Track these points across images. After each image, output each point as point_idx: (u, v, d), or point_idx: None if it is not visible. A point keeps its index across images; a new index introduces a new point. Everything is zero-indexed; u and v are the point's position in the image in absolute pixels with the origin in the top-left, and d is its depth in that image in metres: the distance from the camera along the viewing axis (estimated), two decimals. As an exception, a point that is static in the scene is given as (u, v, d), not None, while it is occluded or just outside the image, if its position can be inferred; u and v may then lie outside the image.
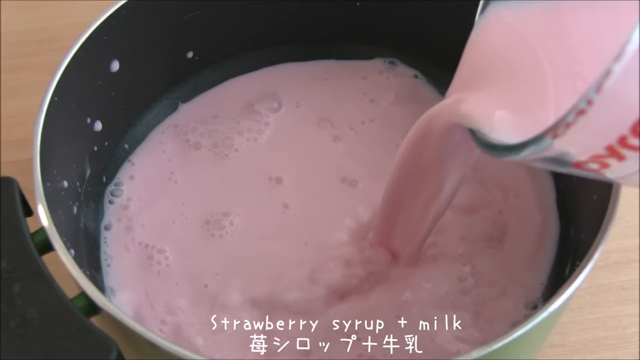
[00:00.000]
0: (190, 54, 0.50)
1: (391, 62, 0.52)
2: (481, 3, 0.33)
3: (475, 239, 0.43)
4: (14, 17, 0.63)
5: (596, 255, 0.33)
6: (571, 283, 0.32)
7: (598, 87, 0.20)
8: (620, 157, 0.22)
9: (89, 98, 0.43)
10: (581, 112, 0.21)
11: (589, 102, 0.20)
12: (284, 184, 0.46)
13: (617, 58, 0.19)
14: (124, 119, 0.48)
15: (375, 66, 0.52)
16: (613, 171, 0.23)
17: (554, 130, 0.22)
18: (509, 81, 0.32)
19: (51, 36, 0.61)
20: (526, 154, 0.24)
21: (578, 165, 0.23)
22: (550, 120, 0.25)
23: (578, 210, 0.41)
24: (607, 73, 0.20)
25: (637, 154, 0.22)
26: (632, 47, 0.19)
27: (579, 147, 0.23)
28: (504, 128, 0.29)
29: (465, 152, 0.35)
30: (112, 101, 0.45)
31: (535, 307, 0.40)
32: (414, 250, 0.41)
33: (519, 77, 0.31)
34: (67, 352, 0.29)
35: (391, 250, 0.42)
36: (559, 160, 0.24)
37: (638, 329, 0.46)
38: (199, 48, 0.50)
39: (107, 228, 0.45)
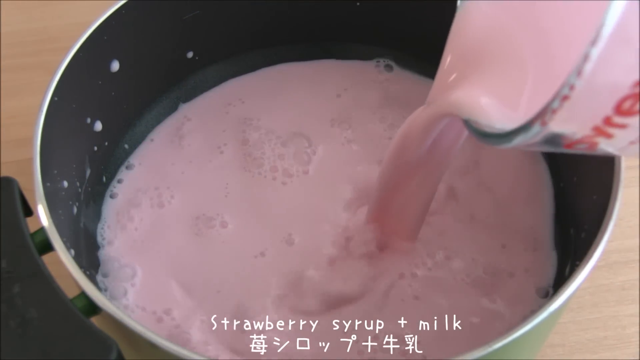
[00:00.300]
0: (190, 54, 0.50)
1: (389, 65, 0.52)
2: None
3: (472, 239, 0.43)
4: (14, 17, 0.63)
5: (596, 255, 0.33)
6: (571, 283, 0.32)
7: (578, 72, 0.21)
8: (608, 135, 0.23)
9: (89, 98, 0.43)
10: (565, 98, 0.21)
11: (571, 87, 0.21)
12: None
13: (594, 42, 0.20)
14: (124, 119, 0.48)
15: (377, 67, 0.52)
16: (605, 147, 0.24)
17: (542, 117, 0.22)
18: (495, 67, 0.32)
19: (51, 36, 0.61)
20: (517, 141, 0.24)
21: (569, 146, 0.24)
22: (540, 101, 0.26)
23: (578, 210, 0.41)
24: (586, 57, 0.20)
25: (624, 130, 0.23)
26: (606, 31, 0.20)
27: (567, 130, 0.23)
28: (496, 114, 0.29)
29: (452, 138, 0.36)
30: (112, 101, 0.45)
31: (546, 295, 0.41)
32: (410, 230, 0.42)
33: (503, 62, 0.32)
34: (67, 352, 0.29)
35: (387, 231, 0.42)
36: (550, 142, 0.24)
37: (638, 329, 0.46)
38: (199, 48, 0.50)
39: (112, 196, 0.46)
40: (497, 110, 0.30)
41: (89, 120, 0.44)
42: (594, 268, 0.32)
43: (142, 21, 0.44)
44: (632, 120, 0.22)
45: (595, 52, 0.20)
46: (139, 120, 0.49)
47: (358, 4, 0.50)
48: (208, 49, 0.50)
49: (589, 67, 0.20)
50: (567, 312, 0.46)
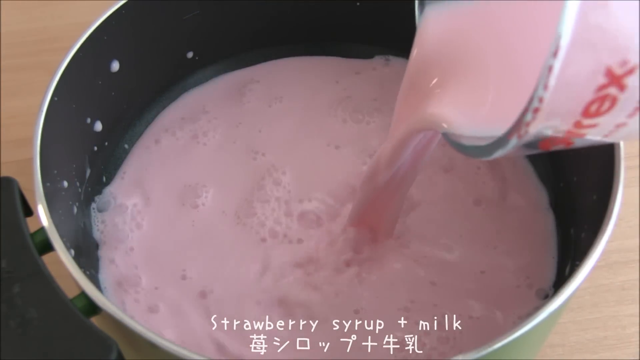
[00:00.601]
0: (190, 54, 0.50)
1: (387, 59, 0.52)
2: (417, 10, 0.35)
3: (469, 237, 0.43)
4: (14, 17, 0.63)
5: (596, 255, 0.33)
6: (571, 283, 0.32)
7: (544, 84, 0.21)
8: (581, 135, 0.24)
9: (89, 98, 0.43)
10: (536, 110, 0.22)
11: (540, 100, 0.22)
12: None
13: (554, 54, 0.21)
14: (124, 119, 0.48)
15: (376, 63, 0.52)
16: (581, 142, 0.25)
17: (517, 131, 0.23)
18: (464, 76, 0.33)
19: (51, 36, 0.61)
20: (497, 154, 0.25)
21: (546, 147, 0.25)
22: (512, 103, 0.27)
23: (578, 210, 0.41)
24: (549, 69, 0.21)
25: (595, 129, 0.24)
26: (565, 42, 0.20)
27: (542, 137, 0.24)
28: (471, 123, 0.30)
29: (422, 149, 0.37)
30: (112, 101, 0.45)
31: (546, 296, 0.41)
32: (389, 228, 0.42)
33: (471, 71, 0.33)
34: (67, 352, 0.29)
35: (368, 228, 0.42)
36: (527, 148, 0.25)
37: (638, 329, 0.46)
38: (199, 48, 0.50)
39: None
40: (471, 119, 0.31)
41: (89, 120, 0.44)
42: (594, 268, 0.32)
43: (142, 21, 0.44)
44: (601, 120, 0.23)
45: (558, 64, 0.21)
46: (139, 120, 0.49)
47: (358, 4, 0.50)
48: (208, 49, 0.50)
49: (553, 79, 0.21)
50: (567, 312, 0.46)
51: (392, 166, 0.37)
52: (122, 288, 0.41)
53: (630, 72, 0.21)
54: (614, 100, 0.22)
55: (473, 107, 0.31)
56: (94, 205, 0.45)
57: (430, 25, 0.34)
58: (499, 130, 0.25)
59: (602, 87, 0.22)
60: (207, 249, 0.43)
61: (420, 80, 0.34)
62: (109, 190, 0.46)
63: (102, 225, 0.44)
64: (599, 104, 0.22)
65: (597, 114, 0.23)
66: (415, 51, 0.35)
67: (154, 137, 0.48)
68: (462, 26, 0.33)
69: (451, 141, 0.31)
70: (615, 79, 0.22)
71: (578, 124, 0.23)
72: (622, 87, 0.22)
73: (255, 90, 0.51)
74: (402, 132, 0.35)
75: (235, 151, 0.47)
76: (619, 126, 0.24)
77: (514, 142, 0.24)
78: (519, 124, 0.23)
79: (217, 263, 0.42)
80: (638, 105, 0.23)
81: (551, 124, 0.23)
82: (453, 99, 0.32)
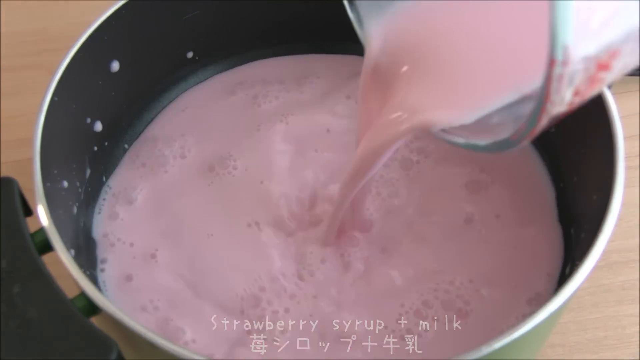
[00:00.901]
0: (190, 54, 0.50)
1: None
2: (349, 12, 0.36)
3: (468, 237, 0.43)
4: (14, 17, 0.63)
5: (596, 255, 0.33)
6: (571, 283, 0.32)
7: (557, 90, 0.23)
8: (571, 109, 0.26)
9: (89, 98, 0.43)
10: (548, 112, 0.24)
11: (553, 103, 0.24)
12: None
13: (564, 64, 0.22)
14: (124, 119, 0.48)
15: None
16: None
17: (531, 134, 0.25)
18: (438, 71, 0.33)
19: (51, 36, 0.61)
20: (507, 151, 0.27)
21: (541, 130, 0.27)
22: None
23: (578, 210, 0.41)
24: (560, 78, 0.23)
25: (580, 98, 0.25)
26: (573, 51, 0.22)
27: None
28: (462, 114, 0.31)
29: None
30: (112, 101, 0.45)
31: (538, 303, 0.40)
32: (361, 216, 0.43)
33: (443, 63, 0.33)
34: (67, 352, 0.29)
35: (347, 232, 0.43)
36: None
37: (638, 329, 0.46)
38: (199, 48, 0.50)
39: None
40: (459, 110, 0.31)
41: (89, 120, 0.44)
42: (594, 268, 0.32)
43: (142, 21, 0.44)
44: (589, 93, 0.25)
45: (567, 71, 0.22)
46: (139, 120, 0.49)
47: (358, 4, 0.50)
48: (208, 49, 0.50)
49: (564, 85, 0.23)
50: (567, 312, 0.46)
51: (386, 153, 0.36)
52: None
53: (613, 55, 0.24)
54: (602, 80, 0.24)
55: (455, 97, 0.32)
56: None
57: (377, 26, 0.35)
58: (487, 110, 0.28)
59: (594, 75, 0.24)
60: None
61: (389, 81, 0.34)
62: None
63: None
64: (590, 87, 0.24)
65: (587, 92, 0.25)
66: (369, 54, 0.35)
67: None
68: (416, 19, 0.34)
69: (445, 139, 0.31)
70: (604, 66, 0.24)
71: (571, 105, 0.25)
72: (608, 68, 0.24)
73: (259, 91, 0.51)
74: (386, 139, 0.35)
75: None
76: (602, 86, 0.26)
77: (526, 142, 0.26)
78: (533, 128, 0.25)
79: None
80: (620, 74, 0.25)
81: (553, 115, 0.25)
82: (433, 95, 0.33)
